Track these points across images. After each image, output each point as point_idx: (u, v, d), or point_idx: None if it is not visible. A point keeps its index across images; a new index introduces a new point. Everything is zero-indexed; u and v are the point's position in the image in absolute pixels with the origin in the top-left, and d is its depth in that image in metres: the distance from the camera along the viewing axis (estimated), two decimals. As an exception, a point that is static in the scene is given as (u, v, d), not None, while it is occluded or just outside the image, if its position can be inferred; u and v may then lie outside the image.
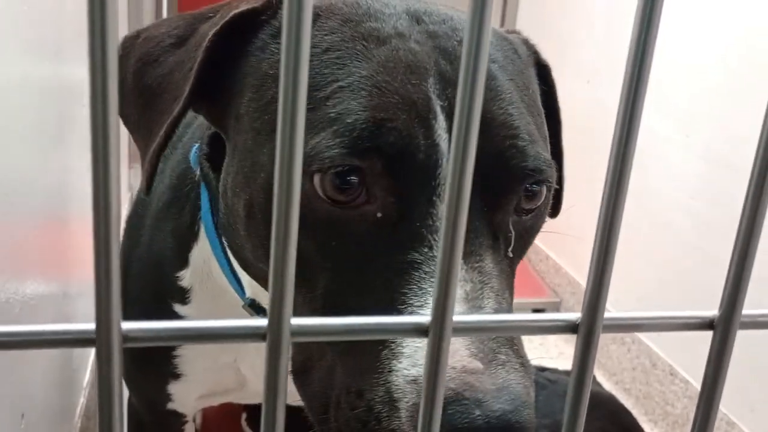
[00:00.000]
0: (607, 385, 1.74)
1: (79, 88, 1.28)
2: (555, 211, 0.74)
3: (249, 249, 0.61)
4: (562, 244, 2.12)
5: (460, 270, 0.50)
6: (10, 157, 0.80)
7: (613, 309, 1.64)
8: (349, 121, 0.52)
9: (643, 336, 1.68)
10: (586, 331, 0.29)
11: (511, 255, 0.58)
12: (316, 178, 0.52)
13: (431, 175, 0.52)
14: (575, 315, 0.29)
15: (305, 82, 0.25)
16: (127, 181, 2.16)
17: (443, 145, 0.53)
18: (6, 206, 0.77)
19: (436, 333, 0.28)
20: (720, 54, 1.50)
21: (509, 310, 0.53)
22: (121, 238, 0.89)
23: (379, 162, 0.52)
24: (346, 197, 0.53)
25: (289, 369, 0.62)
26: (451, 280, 0.28)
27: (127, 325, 0.25)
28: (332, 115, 0.53)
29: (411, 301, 0.50)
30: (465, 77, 0.26)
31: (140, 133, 0.65)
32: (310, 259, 0.54)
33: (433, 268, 0.50)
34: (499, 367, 0.46)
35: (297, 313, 0.57)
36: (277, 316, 0.26)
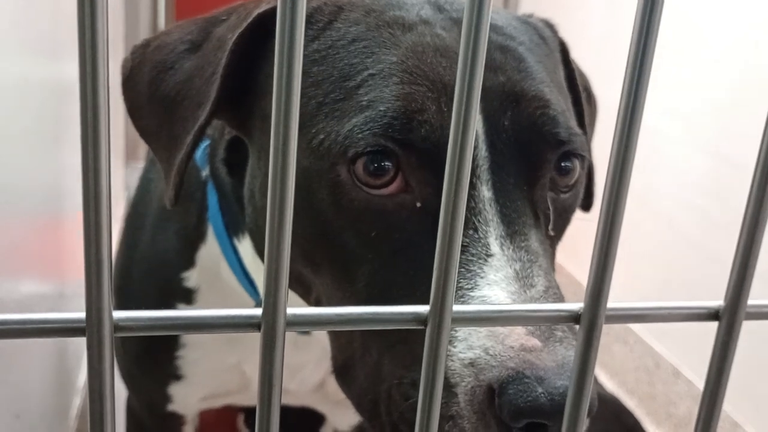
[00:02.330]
0: (610, 386, 1.73)
1: (76, 87, 1.28)
2: (587, 205, 0.73)
3: None
4: (563, 241, 2.11)
5: (507, 249, 0.51)
6: (6, 156, 0.79)
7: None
8: (381, 108, 0.52)
9: (646, 336, 1.67)
10: (589, 322, 0.28)
11: (552, 234, 0.58)
12: (353, 165, 0.52)
13: None
14: (577, 305, 0.29)
15: (298, 81, 0.24)
16: (123, 179, 2.14)
17: (477, 126, 0.53)
18: (2, 205, 0.77)
19: (435, 323, 0.27)
20: (724, 50, 1.49)
21: (558, 288, 0.52)
22: (120, 237, 0.88)
23: (413, 155, 0.52)
24: (382, 182, 0.53)
25: (330, 370, 0.61)
26: (449, 270, 0.27)
27: (119, 314, 0.25)
28: (364, 102, 0.53)
29: (460, 284, 0.49)
30: (463, 69, 0.25)
31: (161, 143, 0.63)
32: (352, 252, 0.54)
33: (479, 249, 0.50)
34: (557, 343, 0.46)
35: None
36: (272, 305, 0.25)
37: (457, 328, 0.48)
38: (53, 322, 0.24)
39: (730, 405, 1.39)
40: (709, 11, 1.54)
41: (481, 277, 0.49)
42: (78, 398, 1.24)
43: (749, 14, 1.43)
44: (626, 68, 0.26)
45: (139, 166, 1.87)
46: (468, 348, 0.47)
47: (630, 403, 1.64)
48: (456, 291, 0.49)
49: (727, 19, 1.49)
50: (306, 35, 0.58)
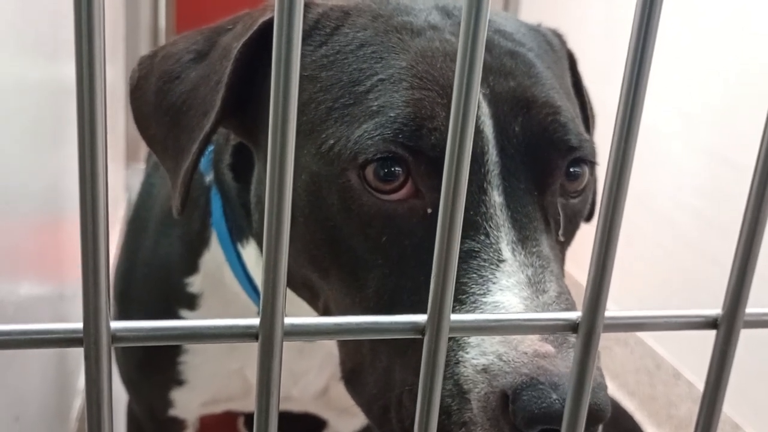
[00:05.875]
0: (611, 387, 1.73)
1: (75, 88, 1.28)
2: (589, 215, 0.73)
3: (290, 255, 0.60)
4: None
5: (518, 255, 0.50)
6: (6, 157, 0.79)
7: (613, 308, 1.64)
8: (391, 114, 0.52)
9: (646, 337, 1.67)
10: (587, 331, 0.28)
11: (561, 239, 0.57)
12: (363, 171, 0.52)
13: (479, 163, 0.52)
14: (575, 314, 0.29)
15: (296, 87, 0.24)
16: (124, 181, 2.14)
17: (488, 131, 0.53)
18: (1, 207, 0.77)
19: (433, 332, 0.27)
20: (723, 50, 1.49)
21: (570, 294, 0.52)
22: (122, 242, 0.88)
23: (422, 162, 0.52)
24: (392, 187, 0.52)
25: (339, 377, 0.61)
26: (447, 279, 0.27)
27: (116, 324, 0.25)
28: (374, 107, 0.53)
29: (472, 290, 0.49)
30: (461, 68, 0.25)
31: (168, 152, 0.63)
32: (361, 257, 0.54)
33: (491, 254, 0.50)
34: (570, 350, 0.45)
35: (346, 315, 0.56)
36: (270, 315, 0.25)
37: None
38: (51, 333, 0.24)
39: (730, 407, 1.39)
40: (707, 8, 1.54)
41: (494, 283, 0.49)
42: (78, 400, 1.24)
43: (748, 14, 1.43)
44: (624, 71, 0.26)
45: (140, 167, 1.87)
46: (481, 354, 0.46)
47: (631, 404, 1.64)
48: (468, 297, 0.49)
49: (725, 19, 1.49)
50: (314, 41, 0.58)
